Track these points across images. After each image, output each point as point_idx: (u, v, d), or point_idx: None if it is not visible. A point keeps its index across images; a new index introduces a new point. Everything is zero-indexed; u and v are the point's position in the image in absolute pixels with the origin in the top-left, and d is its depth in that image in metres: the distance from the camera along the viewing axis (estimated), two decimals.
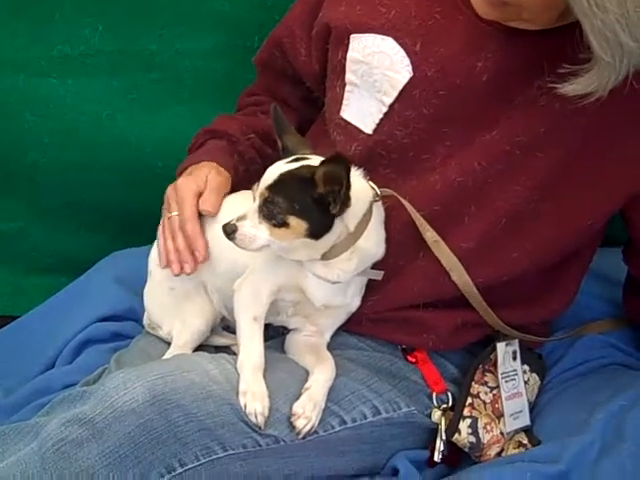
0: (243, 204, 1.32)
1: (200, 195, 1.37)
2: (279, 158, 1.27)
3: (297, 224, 1.21)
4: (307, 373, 1.31)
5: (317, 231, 1.22)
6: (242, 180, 1.43)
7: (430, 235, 1.31)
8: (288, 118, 1.36)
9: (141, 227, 1.55)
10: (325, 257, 1.26)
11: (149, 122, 1.81)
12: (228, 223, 1.22)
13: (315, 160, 1.24)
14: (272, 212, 1.21)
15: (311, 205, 1.21)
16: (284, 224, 1.21)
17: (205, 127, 1.54)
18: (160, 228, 1.42)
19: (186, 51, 1.77)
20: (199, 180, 1.39)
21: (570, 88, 1.17)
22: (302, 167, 1.23)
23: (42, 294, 1.82)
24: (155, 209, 1.52)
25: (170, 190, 1.41)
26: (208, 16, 1.73)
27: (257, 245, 1.22)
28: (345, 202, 1.21)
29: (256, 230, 1.22)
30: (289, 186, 1.21)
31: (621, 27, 1.08)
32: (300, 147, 1.28)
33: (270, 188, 1.21)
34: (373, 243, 1.30)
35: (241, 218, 1.22)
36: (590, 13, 1.08)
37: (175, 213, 1.38)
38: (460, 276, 1.33)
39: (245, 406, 1.23)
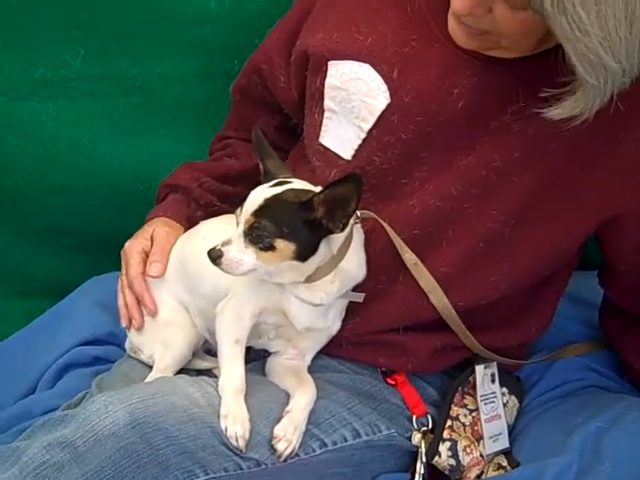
0: (225, 229, 1.35)
1: (146, 253, 1.44)
2: (255, 185, 1.28)
3: (285, 247, 1.22)
4: (288, 396, 1.31)
5: (304, 254, 1.23)
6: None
7: (409, 257, 1.33)
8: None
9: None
10: (309, 280, 1.27)
11: (130, 146, 1.82)
12: (213, 248, 1.22)
13: (297, 183, 1.25)
14: (259, 236, 1.21)
15: (301, 228, 1.22)
16: (271, 247, 1.22)
17: (163, 180, 1.60)
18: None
19: (167, 75, 1.78)
20: (144, 239, 1.45)
21: (555, 112, 1.18)
22: (289, 190, 1.24)
23: (23, 318, 1.81)
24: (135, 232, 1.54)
25: (122, 252, 1.48)
26: (189, 40, 1.75)
27: (243, 270, 1.23)
28: (347, 222, 1.23)
29: (242, 255, 1.22)
30: (277, 210, 1.22)
31: (604, 49, 1.10)
32: (281, 171, 1.30)
33: (256, 213, 1.22)
34: (355, 265, 1.31)
35: (226, 243, 1.23)
36: (573, 37, 1.09)
37: (123, 274, 1.46)
38: (439, 299, 1.34)
39: (226, 429, 1.23)
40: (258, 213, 1.22)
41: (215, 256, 1.22)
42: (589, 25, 1.08)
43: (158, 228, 1.47)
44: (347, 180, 1.20)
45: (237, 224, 1.24)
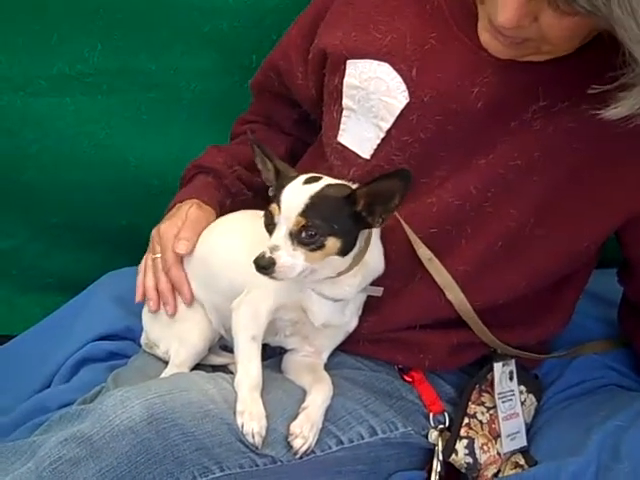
0: (243, 224, 1.37)
1: None
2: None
3: (333, 244, 1.20)
4: (304, 393, 1.31)
5: (347, 249, 1.22)
6: (230, 211, 1.47)
7: (423, 252, 1.32)
8: (281, 143, 1.44)
9: (138, 246, 1.55)
10: (338, 274, 1.26)
11: (147, 141, 1.81)
12: (262, 257, 1.17)
13: (328, 178, 1.24)
14: (311, 236, 1.19)
15: (347, 223, 1.21)
16: (321, 246, 1.20)
17: (193, 161, 1.58)
18: (142, 264, 1.47)
19: (185, 70, 1.77)
20: (179, 222, 1.43)
21: (614, 112, 1.16)
22: (328, 186, 1.22)
23: (39, 313, 1.81)
24: (151, 228, 1.53)
25: (154, 232, 1.46)
26: (207, 35, 1.74)
27: (296, 273, 1.20)
28: (387, 217, 1.22)
29: (293, 258, 1.19)
30: (325, 207, 1.20)
31: None
32: (289, 170, 1.28)
33: (305, 213, 1.19)
34: (376, 257, 1.30)
35: (274, 249, 1.19)
36: None
37: (158, 255, 1.43)
38: (455, 295, 1.33)
39: (242, 426, 1.23)
40: (307, 213, 1.19)
41: (267, 264, 1.18)
42: None
43: (192, 209, 1.44)
44: (395, 175, 1.19)
45: (272, 225, 1.20)
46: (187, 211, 1.44)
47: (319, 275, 1.25)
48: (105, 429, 1.18)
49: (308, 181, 1.23)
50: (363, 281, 1.30)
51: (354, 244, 1.24)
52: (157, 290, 1.42)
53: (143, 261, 1.48)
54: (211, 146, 1.60)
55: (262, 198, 1.31)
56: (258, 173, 1.32)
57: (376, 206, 1.21)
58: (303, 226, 1.19)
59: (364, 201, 1.21)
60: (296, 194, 1.21)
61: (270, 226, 1.21)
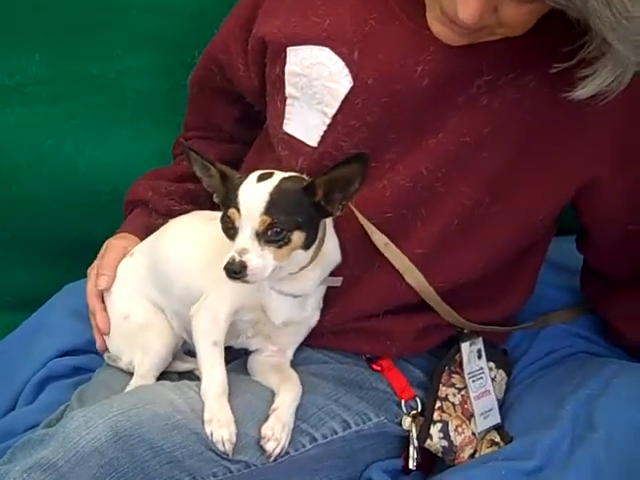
0: (192, 226, 1.36)
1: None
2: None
3: (298, 238, 1.19)
4: (273, 394, 1.29)
5: (311, 240, 1.21)
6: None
7: (378, 238, 1.31)
8: (221, 145, 1.46)
9: (93, 256, 1.52)
10: (301, 268, 1.24)
11: (94, 148, 1.79)
12: (233, 262, 1.14)
13: (280, 173, 1.22)
14: (277, 233, 1.16)
15: (309, 214, 1.19)
16: (288, 242, 1.18)
17: (126, 198, 1.59)
18: None
19: (126, 72, 1.74)
20: (99, 258, 1.48)
21: (581, 92, 1.17)
22: (284, 180, 1.20)
23: None
24: (105, 237, 1.52)
25: None
26: (145, 34, 1.71)
27: (267, 274, 1.17)
28: (347, 204, 1.21)
29: (263, 259, 1.16)
30: (286, 201, 1.18)
31: None
32: (232, 171, 1.25)
33: (268, 210, 1.16)
34: (333, 247, 1.29)
35: (243, 252, 1.16)
36: (617, 26, 1.08)
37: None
38: (415, 278, 1.32)
39: (212, 434, 1.21)
40: (270, 210, 1.16)
41: (238, 269, 1.15)
42: (633, 10, 1.07)
43: (112, 242, 1.49)
44: (352, 160, 1.18)
45: (233, 229, 1.18)
46: (106, 244, 1.49)
47: (284, 272, 1.23)
48: (70, 453, 1.15)
49: (261, 178, 1.21)
50: (322, 273, 1.28)
51: (316, 236, 1.22)
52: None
53: None
54: (140, 177, 1.61)
55: (200, 205, 1.29)
56: (191, 180, 1.30)
57: (335, 194, 1.19)
58: (269, 224, 1.16)
59: (323, 190, 1.19)
60: (254, 193, 1.18)
61: (231, 230, 1.18)
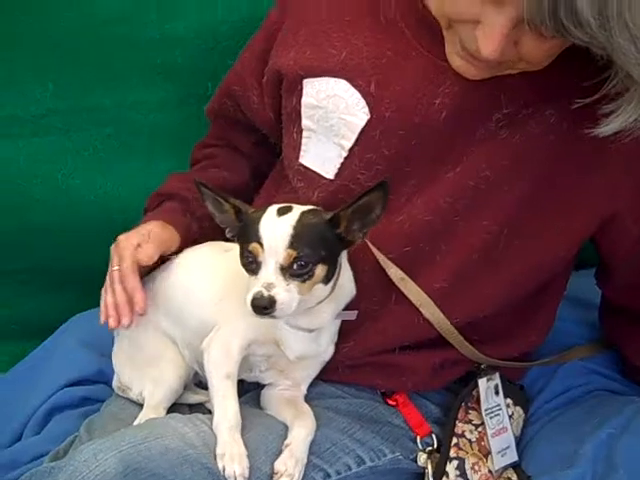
0: (207, 258, 1.34)
1: (139, 245, 1.35)
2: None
3: (321, 271, 1.18)
4: (286, 428, 1.26)
5: (332, 273, 1.20)
6: (198, 237, 1.43)
7: (394, 272, 1.29)
8: (244, 165, 1.44)
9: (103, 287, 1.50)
10: (319, 302, 1.22)
11: (107, 179, 1.78)
12: (262, 297, 1.13)
13: (298, 207, 1.21)
14: (302, 267, 1.15)
15: (333, 247, 1.18)
16: (312, 276, 1.17)
17: (157, 190, 1.53)
18: (105, 282, 1.40)
19: (140, 103, 1.74)
20: (140, 234, 1.37)
21: (606, 129, 1.16)
22: (305, 213, 1.19)
23: (6, 362, 1.76)
24: None
25: (113, 245, 1.39)
26: (159, 66, 1.71)
27: (293, 309, 1.16)
28: (368, 231, 1.20)
29: (289, 293, 1.15)
30: (310, 235, 1.16)
31: None
32: (249, 207, 1.24)
33: (293, 244, 1.15)
34: (347, 280, 1.27)
35: (269, 287, 1.14)
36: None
37: (116, 268, 1.36)
38: (433, 313, 1.30)
39: (224, 469, 1.18)
40: (295, 244, 1.15)
41: (268, 304, 1.13)
42: None
43: (154, 228, 1.39)
44: (374, 189, 1.17)
45: (257, 264, 1.15)
46: (151, 229, 1.38)
47: (304, 306, 1.21)
48: None
49: (281, 212, 1.19)
50: (337, 307, 1.27)
51: (337, 268, 1.21)
52: (116, 305, 1.34)
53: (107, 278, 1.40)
54: (171, 174, 1.56)
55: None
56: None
57: (355, 223, 1.19)
58: (295, 258, 1.15)
59: (346, 222, 1.19)
60: (277, 227, 1.17)
61: (252, 265, 1.17)
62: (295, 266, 1.15)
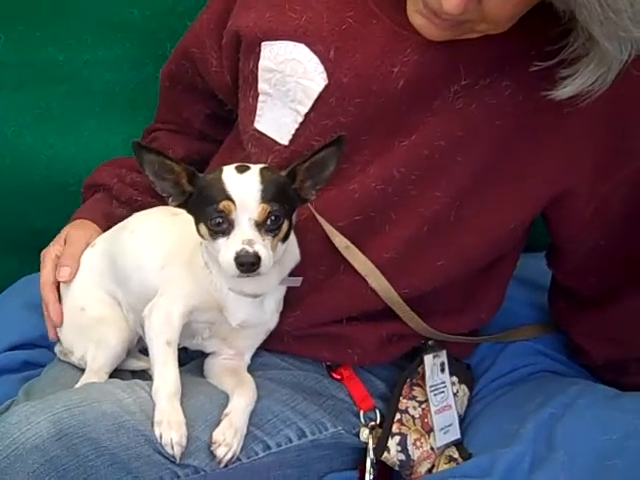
0: (154, 220, 1.33)
1: (59, 258, 1.41)
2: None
3: (285, 227, 1.17)
4: (228, 397, 1.25)
5: (290, 231, 1.19)
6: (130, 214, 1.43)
7: (339, 240, 1.28)
8: (181, 147, 1.47)
9: None
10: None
11: (58, 138, 1.74)
12: (247, 253, 1.11)
13: (256, 165, 1.19)
14: (273, 222, 1.14)
15: (292, 202, 1.17)
16: (280, 231, 1.15)
17: (85, 181, 1.57)
18: None
19: (95, 62, 1.70)
20: (58, 245, 1.43)
21: (562, 92, 1.16)
22: (264, 169, 1.17)
23: None
24: None
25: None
26: (117, 24, 1.67)
27: (270, 265, 1.14)
28: (321, 188, 1.19)
29: (266, 249, 1.13)
30: (276, 189, 1.15)
31: (633, 24, 1.09)
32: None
33: (265, 199, 1.13)
34: (293, 245, 1.26)
35: (250, 243, 1.12)
36: (604, 19, 1.08)
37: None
38: (379, 283, 1.29)
39: (160, 436, 1.16)
40: (267, 199, 1.13)
41: (255, 260, 1.11)
42: (621, 4, 1.07)
43: (72, 231, 1.44)
44: (331, 143, 1.16)
45: (229, 223, 1.13)
46: (67, 233, 1.44)
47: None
48: (9, 449, 1.10)
49: (240, 170, 1.17)
50: (282, 272, 1.25)
51: (292, 226, 1.20)
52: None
53: None
54: (103, 163, 1.58)
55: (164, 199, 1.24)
56: None
57: (309, 179, 1.18)
58: (269, 212, 1.13)
59: (302, 177, 1.18)
60: (244, 183, 1.15)
61: (223, 225, 1.14)
62: (269, 221, 1.14)
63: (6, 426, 1.12)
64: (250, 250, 1.12)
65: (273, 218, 1.14)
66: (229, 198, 1.13)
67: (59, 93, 1.72)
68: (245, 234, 1.13)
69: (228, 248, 1.13)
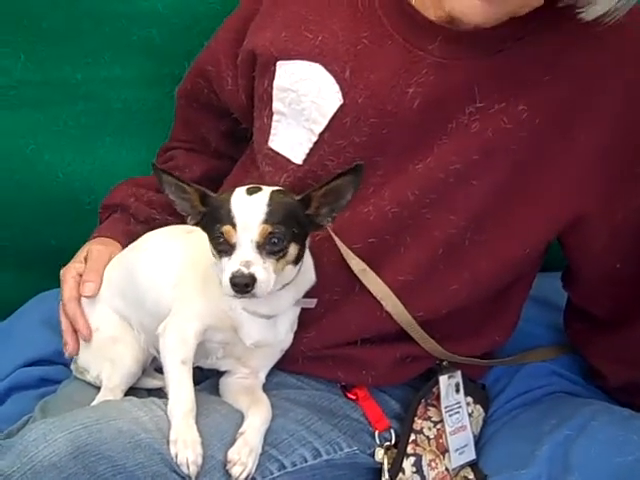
0: (168, 239, 1.34)
1: (80, 276, 1.40)
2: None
3: (293, 250, 1.16)
4: (243, 416, 1.25)
5: (301, 254, 1.19)
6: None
7: (355, 263, 1.28)
8: (197, 166, 1.47)
9: None
10: (284, 286, 1.20)
11: (76, 156, 1.75)
12: (242, 275, 1.11)
13: (268, 187, 1.19)
14: (276, 244, 1.13)
15: (303, 226, 1.17)
16: (285, 254, 1.15)
17: (103, 201, 1.57)
18: None
19: (113, 80, 1.72)
20: (78, 262, 1.42)
21: (592, 11, 1.15)
22: (276, 192, 1.17)
23: None
24: None
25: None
26: (135, 43, 1.69)
27: (270, 288, 1.14)
28: (337, 215, 1.19)
29: (266, 271, 1.13)
30: (283, 212, 1.15)
31: None
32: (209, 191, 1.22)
33: (268, 220, 1.13)
34: (308, 267, 1.26)
35: (247, 264, 1.12)
36: None
37: (60, 300, 1.41)
38: (394, 306, 1.29)
39: (176, 455, 1.16)
40: (268, 220, 1.13)
41: (249, 281, 1.11)
42: None
43: (92, 247, 1.44)
44: (348, 172, 1.15)
45: (231, 246, 1.13)
46: (87, 252, 1.43)
47: (273, 288, 1.18)
48: (26, 466, 1.10)
49: (251, 191, 1.17)
50: (297, 293, 1.25)
51: (305, 250, 1.20)
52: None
53: None
54: (121, 182, 1.58)
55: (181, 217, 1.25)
56: None
57: (326, 206, 1.18)
58: (270, 233, 1.13)
59: (317, 203, 1.17)
60: (249, 205, 1.15)
61: (226, 246, 1.14)
62: (270, 243, 1.13)
63: (24, 443, 1.13)
64: (245, 271, 1.12)
65: (275, 240, 1.13)
66: (231, 221, 1.14)
67: (77, 111, 1.73)
68: (244, 255, 1.13)
69: (227, 268, 1.14)
